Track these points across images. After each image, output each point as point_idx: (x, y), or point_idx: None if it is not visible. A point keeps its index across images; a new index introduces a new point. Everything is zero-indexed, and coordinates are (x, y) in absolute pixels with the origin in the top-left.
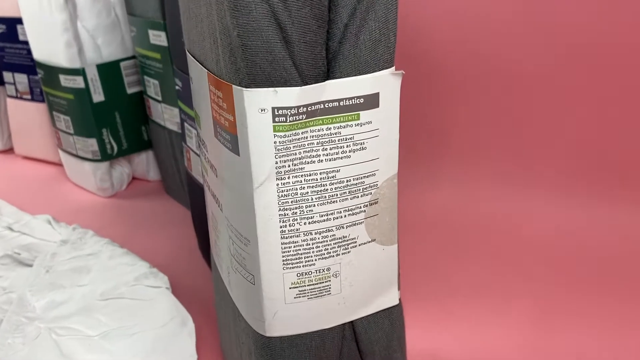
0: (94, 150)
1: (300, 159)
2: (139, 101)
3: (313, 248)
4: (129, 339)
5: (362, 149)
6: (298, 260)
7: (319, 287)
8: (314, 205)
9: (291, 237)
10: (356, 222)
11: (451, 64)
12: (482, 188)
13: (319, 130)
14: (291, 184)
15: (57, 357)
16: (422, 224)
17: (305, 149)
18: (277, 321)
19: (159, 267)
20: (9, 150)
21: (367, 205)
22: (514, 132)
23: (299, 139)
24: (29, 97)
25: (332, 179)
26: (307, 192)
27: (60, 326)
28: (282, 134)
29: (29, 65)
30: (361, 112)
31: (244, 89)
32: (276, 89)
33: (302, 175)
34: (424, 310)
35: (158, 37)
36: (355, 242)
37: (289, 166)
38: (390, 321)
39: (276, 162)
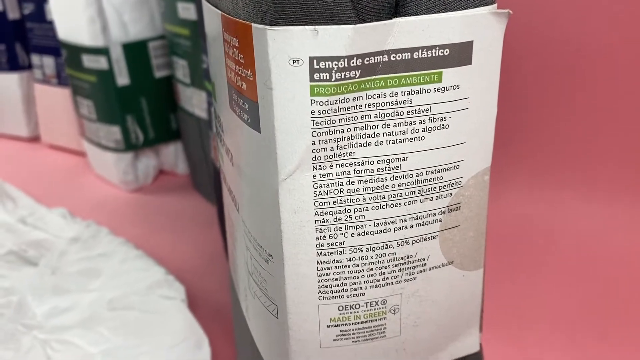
0: (117, 139)
1: (349, 139)
2: (168, 86)
3: (363, 271)
4: None
5: (443, 128)
6: (341, 287)
7: (370, 327)
8: (367, 209)
9: (332, 253)
10: (427, 235)
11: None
12: (555, 195)
13: (379, 97)
14: (334, 176)
15: None
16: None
17: (357, 125)
18: None
19: (178, 273)
20: (36, 139)
21: (444, 212)
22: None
23: (348, 109)
24: (56, 81)
25: (395, 170)
26: (358, 190)
27: (58, 339)
28: (323, 99)
29: (56, 47)
30: (444, 71)
31: (267, 27)
32: (317, 27)
33: (350, 164)
34: (494, 348)
35: (187, 10)
36: (425, 264)
37: (331, 149)
38: None
39: (313, 143)
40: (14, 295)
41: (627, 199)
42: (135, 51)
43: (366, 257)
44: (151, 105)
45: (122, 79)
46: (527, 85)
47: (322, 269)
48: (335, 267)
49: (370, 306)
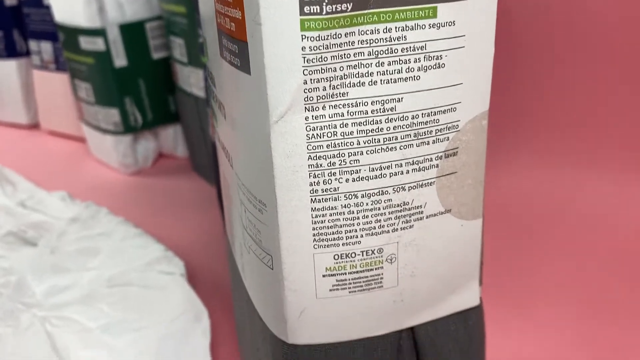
0: (116, 122)
1: (341, 77)
2: (165, 68)
3: (359, 218)
4: (133, 334)
5: (438, 67)
6: (336, 235)
7: (366, 277)
8: (362, 153)
9: (327, 200)
10: (424, 181)
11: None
12: (567, 172)
13: (372, 32)
14: (327, 118)
15: (48, 351)
16: (494, 208)
17: (350, 63)
18: (305, 323)
19: (177, 251)
20: (35, 126)
21: (441, 158)
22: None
23: (340, 45)
24: (54, 66)
25: (390, 112)
26: (352, 132)
27: (57, 315)
28: (314, 34)
29: (53, 32)
30: (439, 6)
31: None
32: None
33: (344, 105)
34: (498, 311)
35: None
36: (422, 212)
37: (324, 89)
38: (466, 329)
39: (305, 82)
40: (13, 275)
41: (634, 173)
42: (133, 32)
43: (361, 204)
44: (149, 87)
45: (120, 60)
46: (531, 62)
47: (316, 216)
48: (330, 214)
49: (367, 255)
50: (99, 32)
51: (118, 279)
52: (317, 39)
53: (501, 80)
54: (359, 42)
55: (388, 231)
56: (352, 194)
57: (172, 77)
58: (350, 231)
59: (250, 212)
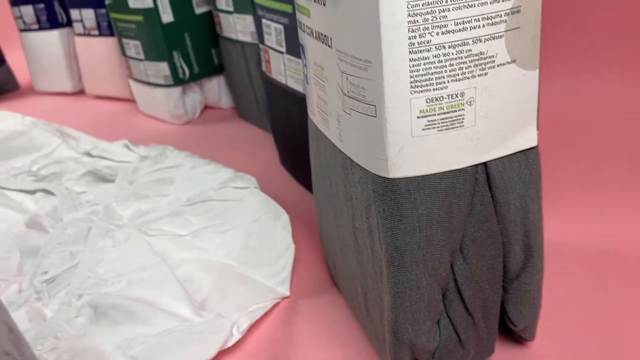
0: (166, 75)
1: None
2: (208, 22)
3: (446, 66)
4: (220, 236)
5: None
6: (428, 82)
7: (451, 117)
8: (448, 10)
9: (421, 51)
10: (495, 34)
11: None
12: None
13: None
14: None
15: (148, 254)
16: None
17: None
18: (402, 158)
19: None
20: (80, 93)
21: (508, 14)
22: None
23: None
24: (96, 32)
25: None
26: None
27: (150, 228)
28: None
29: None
30: None
31: None
32: None
33: None
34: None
35: None
36: (494, 61)
37: None
38: (527, 165)
39: None
40: (99, 204)
41: None
42: None
43: (448, 54)
44: (194, 40)
45: (167, 16)
46: None
47: (413, 65)
48: (424, 64)
49: (452, 98)
50: None
51: (196, 198)
52: None
53: None
54: None
55: (468, 77)
56: (441, 45)
57: (214, 29)
58: (439, 78)
59: (354, 75)
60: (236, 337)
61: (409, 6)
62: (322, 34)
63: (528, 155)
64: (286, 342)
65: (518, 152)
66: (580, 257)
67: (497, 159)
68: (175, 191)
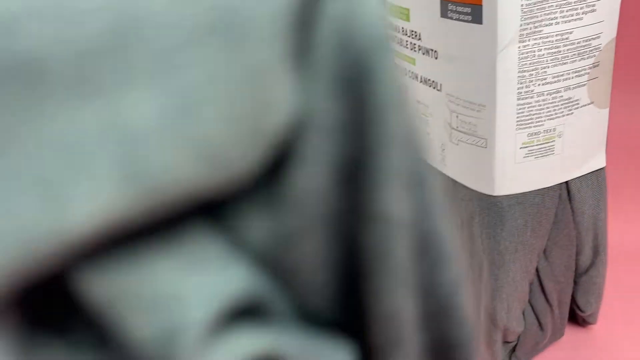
0: None
1: (540, 21)
2: None
3: (543, 109)
4: None
5: (593, 11)
6: (530, 121)
7: (545, 147)
8: (548, 67)
9: (526, 98)
10: (580, 83)
11: None
12: None
13: None
14: (530, 47)
15: None
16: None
17: (545, 12)
18: (506, 180)
19: None
20: None
21: (590, 68)
22: None
23: (542, 2)
24: None
25: (565, 40)
26: (543, 54)
27: None
28: None
29: None
30: None
31: None
32: None
33: (540, 38)
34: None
35: None
36: (578, 103)
37: (530, 29)
38: (598, 182)
39: (520, 25)
40: None
41: None
42: None
43: (546, 100)
44: None
45: None
46: None
47: (519, 109)
48: (527, 107)
49: (547, 133)
50: None
51: None
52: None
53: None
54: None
55: (559, 116)
56: (541, 93)
57: None
58: (538, 117)
59: (465, 115)
60: None
61: (519, 65)
62: (429, 79)
63: (599, 174)
64: None
65: (592, 171)
66: (628, 253)
67: (576, 177)
68: None
